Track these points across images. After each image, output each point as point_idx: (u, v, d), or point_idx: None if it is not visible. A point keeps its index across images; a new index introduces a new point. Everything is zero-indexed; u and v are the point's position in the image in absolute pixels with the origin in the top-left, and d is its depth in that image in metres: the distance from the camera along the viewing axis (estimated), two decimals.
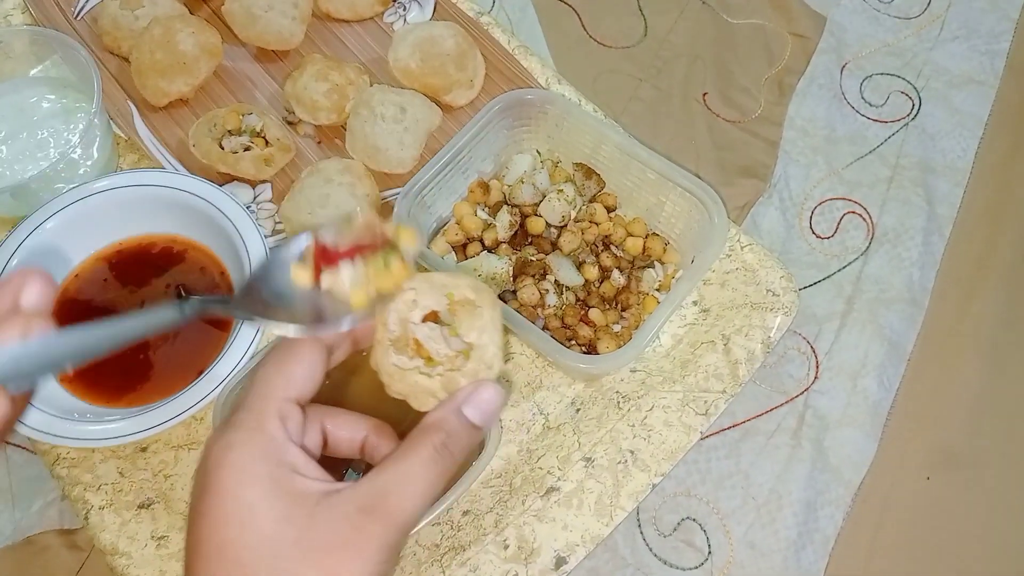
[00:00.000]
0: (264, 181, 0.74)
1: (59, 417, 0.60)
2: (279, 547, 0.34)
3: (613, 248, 0.69)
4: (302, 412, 0.38)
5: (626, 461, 0.62)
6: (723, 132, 0.80)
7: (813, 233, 0.76)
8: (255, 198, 0.73)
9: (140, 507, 0.62)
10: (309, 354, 0.39)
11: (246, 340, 0.62)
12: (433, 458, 0.37)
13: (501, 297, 0.66)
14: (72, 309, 0.67)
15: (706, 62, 0.83)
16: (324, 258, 0.40)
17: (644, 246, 0.68)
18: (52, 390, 0.62)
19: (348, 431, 0.42)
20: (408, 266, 0.41)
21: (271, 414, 0.37)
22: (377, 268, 0.41)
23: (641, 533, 0.64)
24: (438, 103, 0.76)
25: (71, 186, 0.68)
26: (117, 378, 0.65)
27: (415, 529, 0.36)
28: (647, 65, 0.84)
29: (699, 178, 0.64)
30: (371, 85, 0.77)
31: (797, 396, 0.68)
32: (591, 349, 0.64)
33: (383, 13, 0.83)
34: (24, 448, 0.68)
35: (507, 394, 0.39)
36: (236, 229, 0.66)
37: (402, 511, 0.35)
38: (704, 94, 0.81)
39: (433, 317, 0.42)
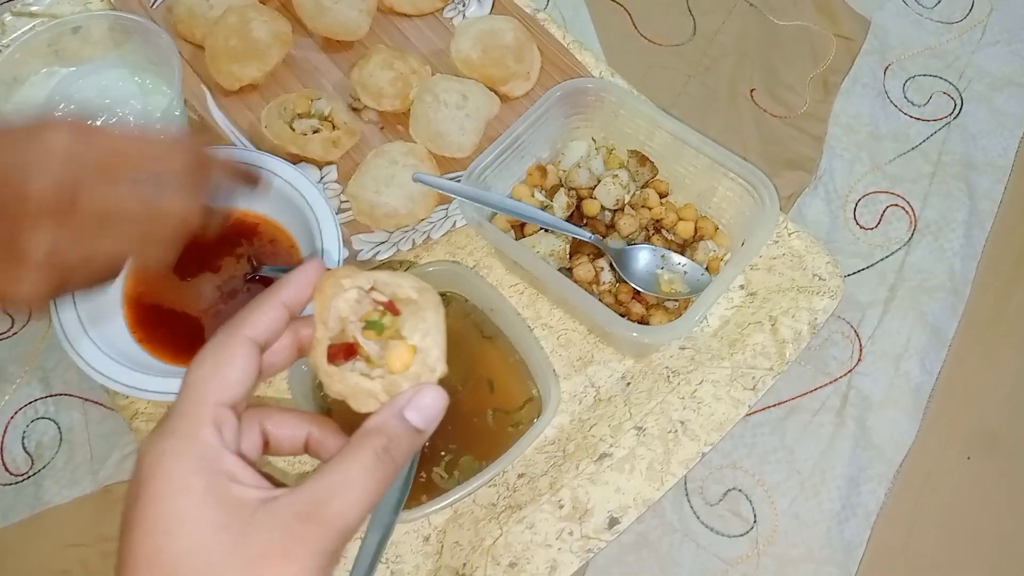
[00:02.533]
0: (330, 163, 0.78)
1: (140, 372, 0.63)
2: (214, 556, 0.33)
3: (664, 232, 0.72)
4: (237, 417, 0.37)
5: (676, 431, 0.65)
6: (770, 127, 0.83)
7: (857, 224, 0.79)
8: (321, 179, 0.77)
9: None
10: (243, 357, 0.37)
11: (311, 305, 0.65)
12: (374, 463, 0.36)
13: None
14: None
15: (753, 61, 0.86)
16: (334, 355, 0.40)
17: (695, 227, 0.70)
18: (131, 348, 0.66)
19: (289, 429, 0.40)
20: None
21: (205, 421, 0.35)
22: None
23: (688, 502, 0.66)
24: (495, 93, 0.80)
25: None
26: (190, 338, 0.68)
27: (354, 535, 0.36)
28: (695, 62, 0.87)
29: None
30: (432, 75, 0.81)
31: (841, 377, 0.71)
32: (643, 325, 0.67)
33: (443, 8, 0.87)
34: (102, 405, 0.71)
35: (448, 398, 0.39)
36: (308, 204, 0.70)
37: (340, 517, 0.34)
38: (752, 90, 0.84)
39: (375, 316, 0.41)
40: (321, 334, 0.40)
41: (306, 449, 0.41)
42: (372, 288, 0.41)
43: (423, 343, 0.39)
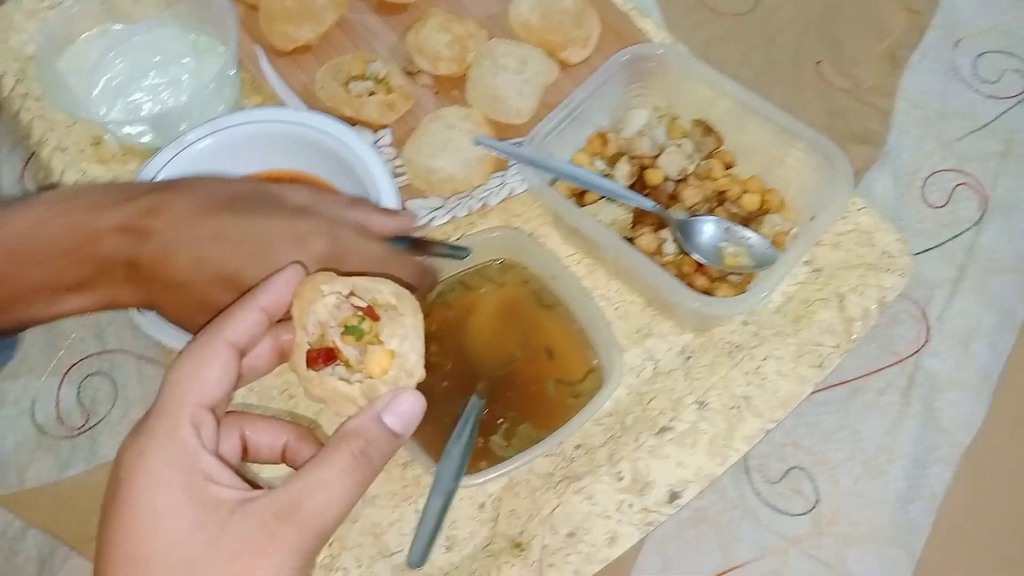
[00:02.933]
0: (384, 126, 0.76)
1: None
2: (190, 552, 0.33)
3: (728, 203, 0.70)
4: (215, 419, 0.37)
5: (739, 406, 0.63)
6: (835, 100, 0.80)
7: (925, 202, 0.77)
8: (376, 142, 0.76)
9: None
10: (222, 360, 0.38)
11: None
12: (352, 465, 0.36)
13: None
14: None
15: (817, 33, 0.84)
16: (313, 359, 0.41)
17: (762, 200, 0.69)
18: None
19: (268, 437, 0.41)
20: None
21: (184, 421, 0.36)
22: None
23: (749, 479, 0.65)
24: (553, 59, 0.78)
25: (207, 120, 0.71)
26: None
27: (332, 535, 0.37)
28: (758, 34, 0.85)
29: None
30: (488, 39, 0.79)
31: (908, 357, 0.69)
32: None
33: None
34: (156, 362, 0.71)
35: (425, 403, 0.40)
36: (365, 165, 0.69)
37: (317, 518, 0.35)
38: (818, 62, 0.82)
39: (354, 321, 0.41)
40: (300, 339, 0.41)
41: (283, 457, 0.41)
42: (351, 293, 0.41)
43: (401, 348, 0.40)
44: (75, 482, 0.66)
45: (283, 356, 0.42)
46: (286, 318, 0.42)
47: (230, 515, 0.34)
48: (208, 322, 0.40)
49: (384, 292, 0.41)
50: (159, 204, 0.48)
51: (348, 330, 0.41)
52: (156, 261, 0.48)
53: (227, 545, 0.34)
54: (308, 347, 0.40)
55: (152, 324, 0.60)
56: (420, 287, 0.56)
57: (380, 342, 0.41)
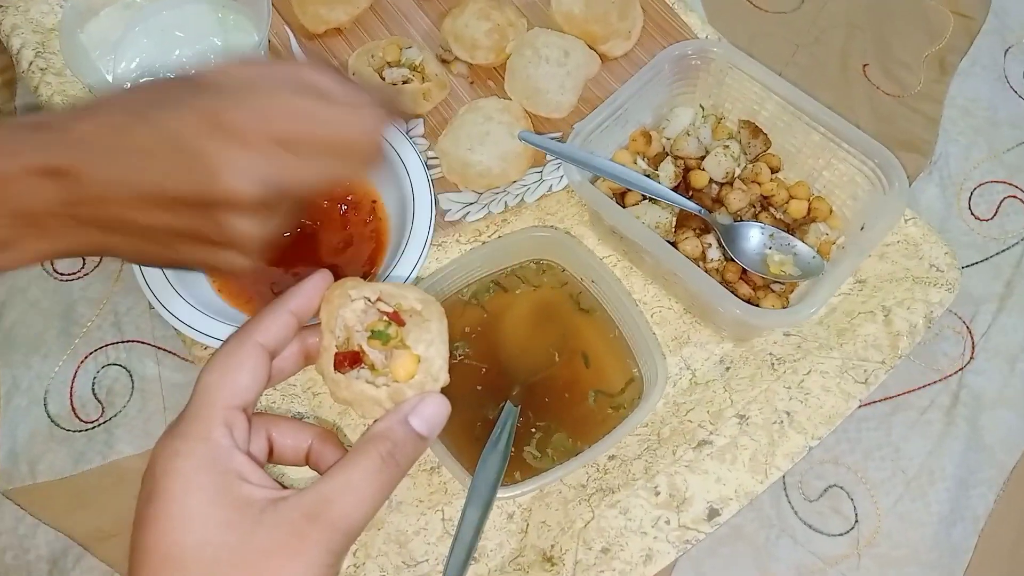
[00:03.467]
0: (418, 116, 0.74)
1: (220, 322, 0.60)
2: (221, 552, 0.34)
3: (773, 209, 0.67)
4: (247, 419, 0.38)
5: (782, 421, 0.61)
6: (883, 105, 0.78)
7: (972, 214, 0.75)
8: (408, 132, 0.73)
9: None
10: (253, 362, 0.39)
11: (404, 272, 0.62)
12: (379, 467, 0.37)
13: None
14: None
15: (865, 34, 0.81)
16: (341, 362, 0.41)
17: (809, 207, 0.66)
18: (210, 296, 0.63)
19: (292, 439, 0.42)
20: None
21: (217, 422, 0.37)
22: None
23: (787, 496, 0.63)
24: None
25: None
26: (267, 284, 0.65)
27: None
28: (804, 32, 0.82)
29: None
30: (528, 29, 0.76)
31: (952, 375, 0.67)
32: None
33: None
34: (176, 355, 0.68)
35: (449, 407, 0.41)
36: (399, 156, 0.66)
37: (346, 518, 0.36)
38: (865, 65, 0.79)
39: (380, 325, 0.42)
40: (328, 342, 0.41)
41: (306, 460, 0.42)
42: (378, 299, 0.42)
43: (427, 353, 0.41)
44: (90, 477, 0.64)
45: (309, 358, 0.43)
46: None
47: (261, 514, 0.35)
48: (164, 256, 0.41)
49: (410, 298, 0.42)
50: (82, 134, 0.40)
51: (374, 334, 0.42)
52: (95, 198, 0.40)
53: (258, 545, 0.35)
54: (336, 350, 0.41)
55: (173, 313, 0.58)
56: (393, 109, 0.50)
57: (406, 347, 0.42)
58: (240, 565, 0.34)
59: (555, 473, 0.55)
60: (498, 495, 0.53)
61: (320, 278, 0.43)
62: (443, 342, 0.42)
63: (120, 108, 0.41)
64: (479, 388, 0.61)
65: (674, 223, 0.65)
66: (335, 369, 0.41)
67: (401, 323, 0.42)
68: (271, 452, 0.41)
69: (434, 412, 0.40)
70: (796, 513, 0.63)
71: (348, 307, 0.42)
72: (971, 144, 0.77)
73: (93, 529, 0.61)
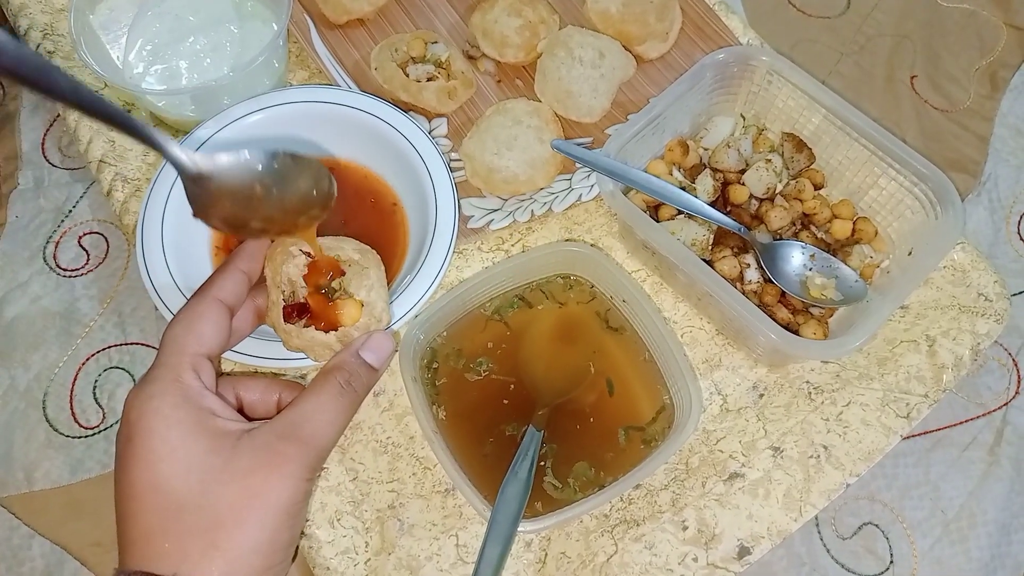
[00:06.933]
0: (442, 115, 0.70)
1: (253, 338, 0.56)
2: (207, 474, 0.38)
3: (814, 228, 0.64)
4: (214, 368, 0.42)
5: (819, 456, 0.58)
6: (931, 120, 0.74)
7: (1021, 239, 0.71)
8: (430, 132, 0.70)
9: None
10: (213, 314, 0.43)
11: (425, 283, 0.58)
12: (340, 392, 0.42)
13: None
14: None
15: (914, 44, 0.77)
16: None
17: (853, 228, 0.63)
18: None
19: (261, 393, 0.46)
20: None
21: (186, 367, 0.40)
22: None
23: (819, 533, 0.60)
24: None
25: (258, 94, 0.65)
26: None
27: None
28: (849, 39, 0.78)
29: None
30: (560, 26, 0.72)
31: (995, 410, 0.63)
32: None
33: None
34: None
35: (396, 342, 0.47)
36: (421, 157, 0.63)
37: (316, 436, 0.40)
38: (912, 77, 0.75)
39: (322, 279, 0.46)
40: (276, 297, 0.45)
41: (277, 410, 0.46)
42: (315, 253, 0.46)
43: (368, 297, 0.46)
44: (88, 487, 0.61)
45: (260, 317, 0.47)
46: (259, 284, 0.47)
47: (238, 441, 0.39)
48: None
49: (347, 249, 0.47)
50: None
51: (317, 288, 0.46)
52: None
53: (240, 464, 0.38)
54: (283, 303, 0.45)
55: None
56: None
57: (349, 295, 0.46)
58: (228, 483, 0.38)
59: (579, 508, 0.52)
60: (519, 529, 0.50)
61: (261, 241, 0.46)
62: (382, 286, 0.46)
63: None
64: (505, 402, 0.58)
65: (711, 240, 0.62)
66: (285, 320, 0.45)
67: (341, 273, 0.46)
68: (241, 409, 0.45)
69: (380, 345, 0.45)
70: (828, 551, 0.60)
71: (291, 263, 0.45)
72: (1022, 165, 0.73)
73: (90, 542, 0.58)
